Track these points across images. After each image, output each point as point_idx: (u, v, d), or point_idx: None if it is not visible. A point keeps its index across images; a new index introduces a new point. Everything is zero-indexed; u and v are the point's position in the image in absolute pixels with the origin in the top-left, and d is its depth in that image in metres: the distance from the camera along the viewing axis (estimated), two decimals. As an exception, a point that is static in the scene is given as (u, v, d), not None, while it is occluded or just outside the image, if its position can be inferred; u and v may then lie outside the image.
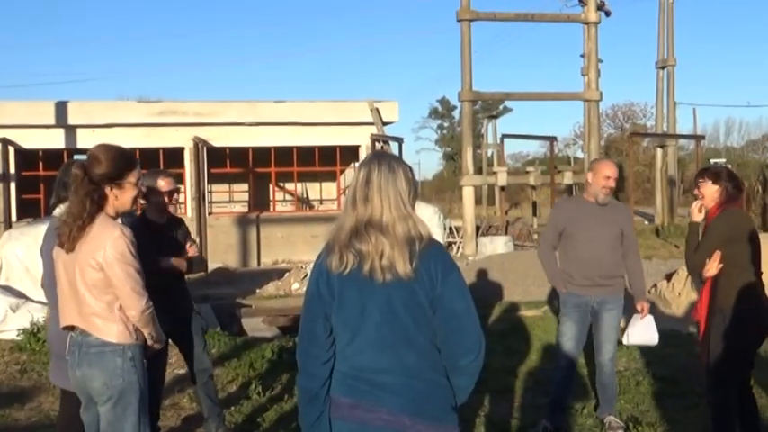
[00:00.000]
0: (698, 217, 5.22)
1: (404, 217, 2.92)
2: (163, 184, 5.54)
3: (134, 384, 3.91)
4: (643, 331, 6.00)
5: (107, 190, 3.90)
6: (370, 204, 2.92)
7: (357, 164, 3.04)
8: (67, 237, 3.82)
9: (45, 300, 5.11)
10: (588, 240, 5.88)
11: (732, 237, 5.01)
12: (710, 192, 5.14)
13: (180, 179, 22.78)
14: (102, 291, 3.84)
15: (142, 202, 5.53)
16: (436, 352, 2.93)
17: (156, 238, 5.43)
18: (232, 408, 6.67)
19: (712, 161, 36.10)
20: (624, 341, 6.03)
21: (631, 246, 6.03)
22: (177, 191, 5.76)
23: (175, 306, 5.39)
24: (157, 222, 5.59)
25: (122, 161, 3.98)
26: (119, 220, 4.05)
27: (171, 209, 5.75)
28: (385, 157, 3.02)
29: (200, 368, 5.84)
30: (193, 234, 22.19)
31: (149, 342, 4.01)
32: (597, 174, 5.89)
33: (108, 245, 3.78)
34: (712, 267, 5.01)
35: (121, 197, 3.96)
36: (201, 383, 5.83)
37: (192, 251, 5.74)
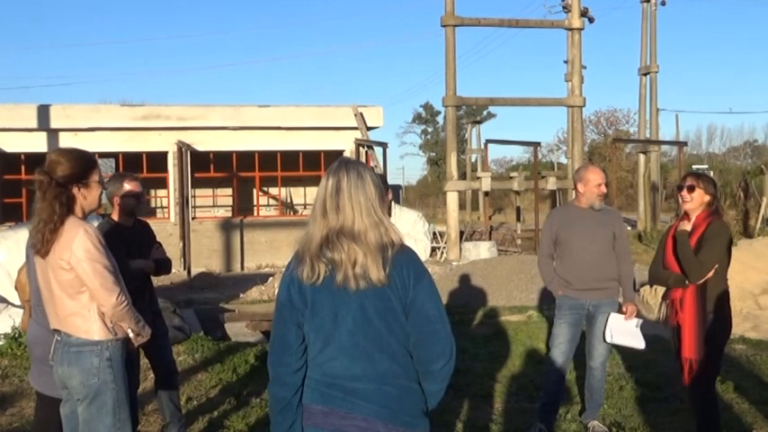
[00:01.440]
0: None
1: (375, 224, 2.91)
2: (129, 187, 5.53)
3: (109, 384, 3.93)
4: (627, 333, 6.01)
5: (74, 191, 3.93)
6: (342, 213, 2.90)
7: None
8: (41, 242, 3.84)
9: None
10: (583, 245, 5.94)
11: (728, 247, 5.15)
12: (700, 200, 5.18)
13: (163, 183, 22.74)
14: (77, 290, 3.88)
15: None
16: (409, 358, 2.93)
17: (124, 241, 5.42)
18: (215, 412, 6.65)
19: (695, 167, 36.35)
20: (607, 339, 6.04)
21: (623, 249, 6.07)
22: (144, 193, 5.76)
23: (142, 309, 5.33)
24: (125, 225, 5.59)
25: (84, 161, 4.02)
26: (94, 222, 4.07)
27: (139, 211, 5.74)
28: (352, 165, 3.01)
29: (164, 372, 5.82)
30: (177, 238, 22.20)
31: (131, 336, 4.04)
32: (588, 183, 5.95)
33: (74, 244, 3.82)
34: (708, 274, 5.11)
35: (89, 196, 4.00)
36: (165, 388, 5.81)
37: (158, 253, 5.74)
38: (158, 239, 5.92)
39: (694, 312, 5.11)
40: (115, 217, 5.58)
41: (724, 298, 5.12)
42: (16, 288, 5.03)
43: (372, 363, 2.88)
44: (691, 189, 5.19)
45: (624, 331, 6.01)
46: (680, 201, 5.30)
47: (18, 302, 9.34)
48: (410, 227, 5.76)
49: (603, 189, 5.94)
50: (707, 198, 5.17)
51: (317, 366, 2.94)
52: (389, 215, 5.49)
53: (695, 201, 5.19)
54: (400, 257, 2.90)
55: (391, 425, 2.87)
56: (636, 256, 21.95)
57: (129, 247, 5.45)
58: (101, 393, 3.92)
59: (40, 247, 3.85)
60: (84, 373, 3.90)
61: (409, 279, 2.89)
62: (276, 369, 3.00)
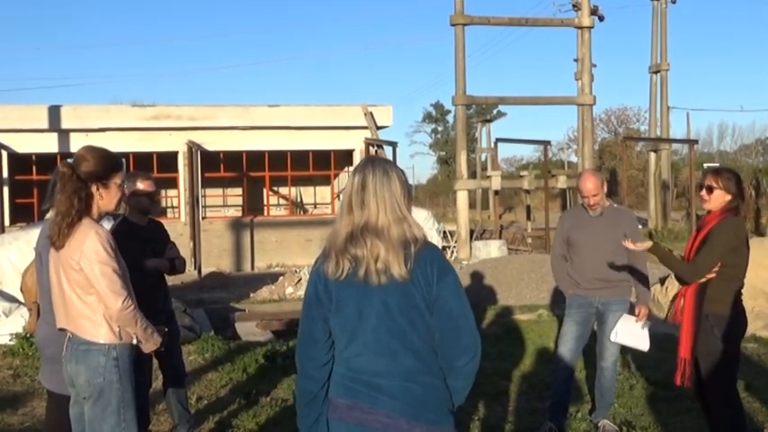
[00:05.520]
0: (648, 243, 5.15)
1: (399, 220, 2.94)
2: (142, 186, 5.56)
3: (114, 384, 3.93)
4: (634, 334, 5.99)
5: (93, 189, 3.96)
6: (367, 209, 2.94)
7: (351, 169, 3.09)
8: (57, 234, 3.87)
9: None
10: (590, 246, 5.97)
11: (735, 246, 4.97)
12: (721, 199, 5.04)
13: (173, 183, 22.78)
14: (86, 291, 3.89)
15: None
16: (433, 355, 2.95)
17: (139, 240, 5.46)
18: (225, 412, 6.66)
19: (706, 165, 36.19)
20: (612, 338, 6.03)
21: (637, 251, 6.05)
22: (157, 192, 5.78)
23: (156, 309, 5.34)
24: (139, 224, 5.62)
25: (109, 161, 4.06)
26: (106, 223, 4.08)
27: (153, 210, 5.76)
28: (379, 162, 3.05)
29: (173, 374, 5.84)
30: (187, 238, 22.23)
31: (135, 342, 4.02)
32: (579, 192, 6.06)
33: (84, 246, 3.84)
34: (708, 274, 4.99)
35: (106, 197, 4.03)
36: (174, 390, 5.83)
37: (173, 252, 5.76)
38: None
39: (691, 312, 5.03)
40: (129, 216, 5.61)
41: (732, 297, 4.98)
42: (22, 290, 5.04)
43: (396, 359, 2.90)
44: (710, 190, 5.05)
45: (631, 332, 5.99)
46: (700, 200, 5.19)
47: (29, 302, 9.38)
48: (422, 224, 5.77)
49: (591, 201, 5.93)
50: (728, 197, 5.02)
51: (343, 361, 2.98)
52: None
53: (714, 201, 5.05)
54: (424, 254, 2.92)
55: (414, 422, 2.89)
56: (646, 257, 21.86)
57: (144, 246, 5.49)
58: (105, 393, 3.92)
59: (56, 239, 3.88)
60: (90, 371, 3.90)
61: (433, 276, 2.90)
62: (303, 363, 3.04)
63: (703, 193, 5.10)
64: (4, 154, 21.55)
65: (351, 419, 2.93)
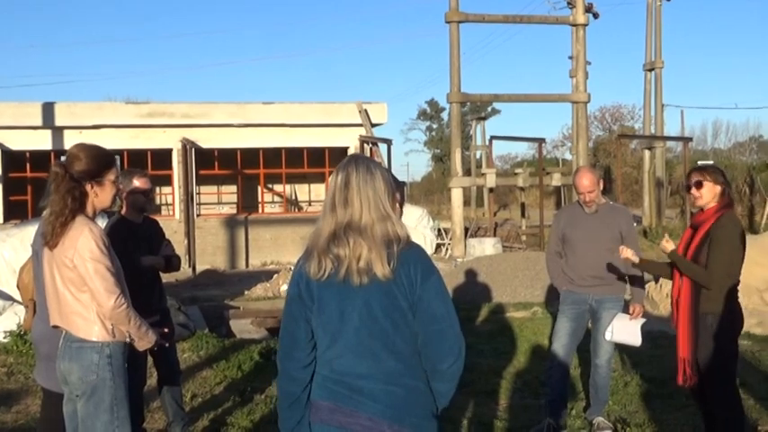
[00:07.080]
0: (670, 245, 5.03)
1: (383, 218, 2.89)
2: (138, 183, 5.56)
3: (107, 382, 3.93)
4: (627, 331, 6.01)
5: (87, 187, 3.96)
6: (350, 207, 2.90)
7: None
8: (51, 234, 3.87)
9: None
10: (585, 244, 5.98)
11: (737, 244, 4.89)
12: (712, 193, 4.95)
13: (168, 181, 22.75)
14: (79, 289, 3.89)
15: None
16: (416, 357, 2.91)
17: (133, 238, 5.45)
18: (220, 409, 6.66)
19: (700, 163, 36.23)
20: (607, 336, 6.04)
21: (632, 248, 6.05)
22: (153, 190, 5.77)
23: (151, 307, 5.33)
24: (134, 222, 5.61)
25: (102, 159, 4.05)
26: (99, 220, 4.07)
27: (148, 207, 5.76)
28: (362, 160, 3.01)
29: (167, 371, 5.84)
30: (181, 236, 22.20)
31: (128, 340, 4.02)
32: (576, 188, 6.06)
33: (78, 243, 3.84)
34: None
35: (101, 194, 4.02)
36: (168, 387, 5.83)
37: (168, 250, 5.75)
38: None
39: (687, 311, 4.95)
40: (124, 213, 5.60)
41: (729, 295, 4.91)
42: (18, 287, 5.04)
43: (378, 361, 2.86)
44: (699, 185, 4.94)
45: (625, 330, 6.00)
46: (691, 199, 5.08)
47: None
48: (416, 222, 5.77)
49: (587, 198, 5.94)
50: (718, 189, 4.93)
51: (325, 363, 2.93)
52: (401, 215, 5.49)
53: (706, 195, 4.94)
54: (408, 254, 2.88)
55: (397, 425, 2.85)
56: (641, 252, 21.82)
57: (139, 244, 5.48)
58: (98, 390, 3.92)
59: (50, 239, 3.87)
60: (83, 368, 3.90)
61: (416, 277, 2.85)
62: (285, 364, 3.00)
63: (693, 190, 4.99)
64: (-2, 151, 21.52)
65: (332, 422, 2.89)
